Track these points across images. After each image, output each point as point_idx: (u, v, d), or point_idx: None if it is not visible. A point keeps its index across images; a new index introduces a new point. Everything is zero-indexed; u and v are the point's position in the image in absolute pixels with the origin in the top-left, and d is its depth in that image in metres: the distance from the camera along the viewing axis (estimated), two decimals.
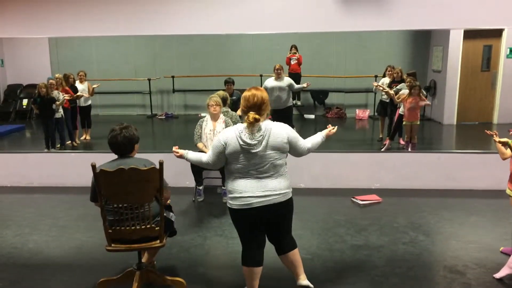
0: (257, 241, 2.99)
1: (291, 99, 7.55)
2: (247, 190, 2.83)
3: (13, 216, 4.99)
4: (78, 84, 8.18)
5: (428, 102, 6.86)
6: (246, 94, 2.89)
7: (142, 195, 2.96)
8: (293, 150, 2.97)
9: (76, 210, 5.11)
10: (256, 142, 2.79)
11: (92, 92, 8.39)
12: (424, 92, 7.35)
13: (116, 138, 3.03)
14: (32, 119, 11.00)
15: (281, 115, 7.00)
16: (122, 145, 3.05)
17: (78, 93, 7.89)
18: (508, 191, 3.60)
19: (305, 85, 7.47)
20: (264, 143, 2.80)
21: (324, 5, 5.28)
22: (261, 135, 2.80)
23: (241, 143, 2.80)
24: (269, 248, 3.08)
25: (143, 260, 3.40)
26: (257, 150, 2.79)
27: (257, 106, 2.84)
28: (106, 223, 3.02)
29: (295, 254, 3.10)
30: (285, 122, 3.01)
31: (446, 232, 4.39)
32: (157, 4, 5.45)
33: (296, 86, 7.52)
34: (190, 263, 3.78)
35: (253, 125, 2.80)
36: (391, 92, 7.01)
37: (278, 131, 2.86)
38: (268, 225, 2.98)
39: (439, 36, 10.09)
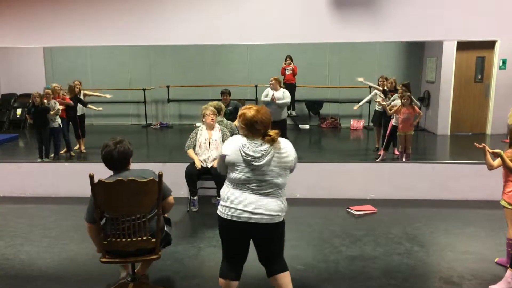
0: (239, 255, 2.92)
1: (285, 111, 7.56)
2: (240, 203, 2.76)
3: (5, 226, 4.93)
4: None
5: (419, 110, 6.90)
6: (255, 116, 2.75)
7: (140, 207, 2.93)
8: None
9: (69, 220, 5.06)
10: (259, 155, 2.73)
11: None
12: (418, 103, 7.41)
13: (111, 154, 2.95)
14: (26, 128, 10.94)
15: (278, 126, 6.95)
16: (118, 161, 2.98)
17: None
18: (502, 202, 3.62)
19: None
20: (268, 157, 2.74)
21: (319, 17, 5.32)
22: (265, 149, 2.75)
23: (243, 154, 2.74)
24: (253, 259, 3.05)
25: (137, 269, 3.37)
26: (260, 163, 2.73)
27: (269, 124, 2.80)
28: (101, 235, 2.98)
29: (285, 277, 2.96)
30: (280, 134, 2.98)
31: (441, 243, 4.38)
32: (152, 14, 5.46)
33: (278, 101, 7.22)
34: (184, 274, 3.74)
35: (275, 140, 2.75)
36: (384, 103, 7.08)
37: (285, 146, 2.82)
38: (257, 245, 2.92)
39: (432, 47, 10.18)
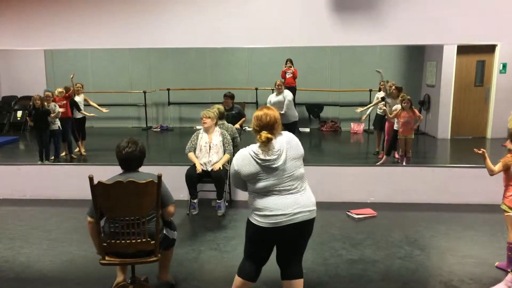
0: (263, 258, 2.93)
1: (295, 114, 7.53)
2: (279, 208, 2.74)
3: (5, 228, 4.93)
4: (75, 97, 8.17)
5: (419, 114, 6.92)
6: (258, 113, 2.84)
7: (140, 208, 2.93)
8: None
9: (69, 222, 5.06)
10: (275, 156, 2.75)
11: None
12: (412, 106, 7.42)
13: (133, 154, 3.00)
14: (27, 131, 10.95)
15: (287, 128, 6.91)
16: (139, 160, 3.06)
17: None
18: (503, 206, 3.62)
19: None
20: (283, 156, 2.76)
21: (319, 20, 5.32)
22: (278, 149, 2.76)
23: (260, 161, 2.74)
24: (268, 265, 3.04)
25: (158, 276, 3.48)
26: (278, 164, 2.74)
27: (270, 126, 2.79)
28: (100, 236, 2.98)
29: (299, 285, 2.94)
30: None
31: (441, 247, 4.38)
32: (153, 16, 5.46)
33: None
34: (184, 277, 3.73)
35: (265, 144, 2.75)
36: (385, 107, 7.10)
37: (292, 138, 2.87)
38: (284, 245, 2.90)
39: (432, 51, 10.20)
